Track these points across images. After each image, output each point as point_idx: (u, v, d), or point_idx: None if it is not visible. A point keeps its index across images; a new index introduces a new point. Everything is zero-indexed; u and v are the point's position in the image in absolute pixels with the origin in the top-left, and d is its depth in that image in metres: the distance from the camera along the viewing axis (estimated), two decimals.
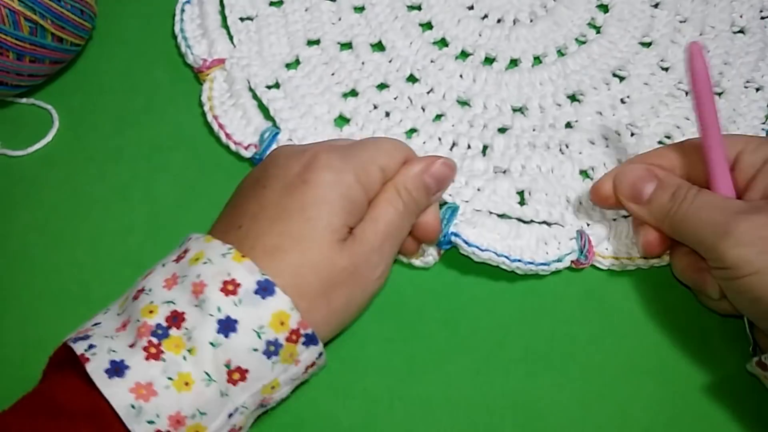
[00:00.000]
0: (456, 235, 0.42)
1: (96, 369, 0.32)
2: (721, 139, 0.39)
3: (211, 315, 0.34)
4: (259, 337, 0.34)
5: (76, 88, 0.51)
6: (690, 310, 0.41)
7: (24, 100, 0.50)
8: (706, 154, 0.39)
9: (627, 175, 0.40)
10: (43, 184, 0.47)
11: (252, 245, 0.36)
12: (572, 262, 0.42)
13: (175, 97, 0.50)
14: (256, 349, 0.34)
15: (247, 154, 0.46)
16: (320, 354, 0.36)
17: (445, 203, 0.43)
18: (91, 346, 0.33)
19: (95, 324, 0.36)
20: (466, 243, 0.41)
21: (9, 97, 0.50)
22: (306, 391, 0.40)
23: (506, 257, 0.41)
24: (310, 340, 0.35)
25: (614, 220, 0.43)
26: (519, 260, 0.41)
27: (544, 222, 0.43)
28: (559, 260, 0.42)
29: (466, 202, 0.43)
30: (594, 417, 0.39)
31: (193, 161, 0.48)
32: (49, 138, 0.49)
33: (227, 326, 0.34)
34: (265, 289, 0.34)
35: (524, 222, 0.43)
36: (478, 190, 0.43)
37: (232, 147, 0.47)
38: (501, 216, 0.43)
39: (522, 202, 0.44)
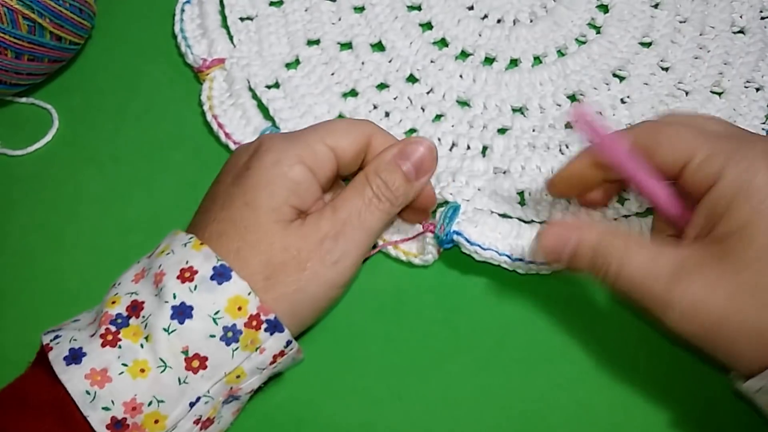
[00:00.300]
0: (458, 233, 0.41)
1: (56, 357, 0.33)
2: (645, 171, 0.35)
3: (167, 302, 0.34)
4: (216, 323, 0.34)
5: (75, 87, 0.51)
6: None
7: (23, 100, 0.50)
8: (641, 191, 0.36)
9: (544, 240, 0.36)
10: (42, 183, 0.47)
11: (201, 235, 0.36)
12: None
13: (174, 97, 0.50)
14: (213, 335, 0.34)
15: None
16: (288, 342, 0.35)
17: (446, 202, 0.43)
18: (57, 337, 0.34)
19: (75, 320, 0.36)
20: (468, 241, 0.41)
21: (8, 97, 0.50)
22: (306, 390, 0.40)
23: (507, 256, 0.41)
24: (274, 326, 0.35)
25: (615, 219, 0.43)
26: (520, 259, 0.41)
27: (545, 222, 0.43)
28: None
29: (467, 201, 0.43)
30: (594, 417, 0.39)
31: (192, 160, 0.48)
32: (48, 137, 0.49)
33: (182, 312, 0.34)
34: (221, 275, 0.34)
35: (525, 222, 0.43)
36: (479, 189, 0.43)
37: (232, 146, 0.47)
38: (502, 215, 0.43)
39: (522, 202, 0.44)
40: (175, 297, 0.34)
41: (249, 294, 0.34)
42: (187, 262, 0.34)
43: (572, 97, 0.48)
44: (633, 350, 0.40)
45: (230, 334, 0.34)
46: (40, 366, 0.34)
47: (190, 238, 0.35)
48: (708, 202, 0.33)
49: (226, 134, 0.47)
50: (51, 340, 0.34)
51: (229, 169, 0.39)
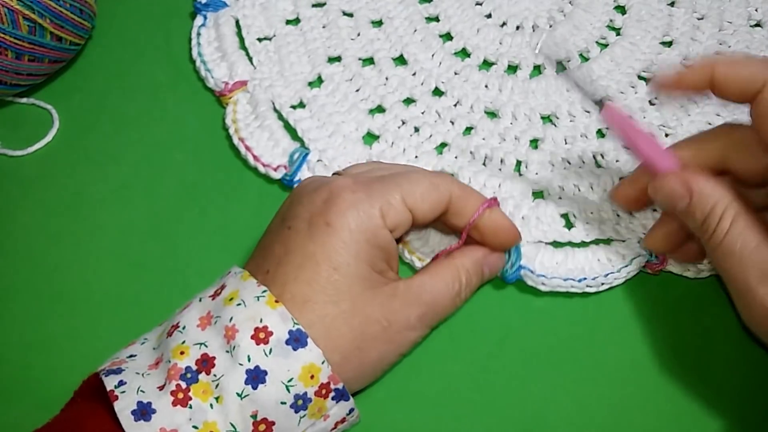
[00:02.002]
0: (522, 267, 0.41)
1: (123, 409, 0.32)
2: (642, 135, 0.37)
3: (241, 364, 0.33)
4: (288, 390, 0.33)
5: (76, 87, 0.51)
6: (690, 311, 0.41)
7: (24, 100, 0.50)
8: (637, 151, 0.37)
9: (662, 188, 0.36)
10: (42, 184, 0.47)
11: (279, 293, 0.35)
12: (646, 264, 0.42)
13: (174, 96, 0.50)
14: (284, 402, 0.33)
15: (277, 175, 0.46)
16: (351, 410, 0.35)
17: None
18: (121, 383, 0.33)
19: (131, 356, 0.35)
20: (533, 273, 0.41)
21: (8, 97, 0.50)
22: None
23: (573, 279, 0.41)
24: (341, 395, 0.34)
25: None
26: (585, 279, 0.41)
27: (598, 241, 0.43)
28: (628, 264, 0.41)
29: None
30: (594, 417, 0.39)
31: (193, 160, 0.48)
32: (49, 138, 0.49)
33: (256, 377, 0.33)
34: (297, 340, 0.33)
35: (577, 245, 0.43)
36: (522, 218, 0.43)
37: (261, 169, 0.46)
38: (553, 244, 0.43)
39: (568, 225, 0.43)
40: (249, 360, 0.33)
41: (323, 363, 0.34)
42: (261, 321, 0.34)
43: (600, 103, 0.48)
44: (633, 350, 0.40)
45: (300, 402, 0.34)
46: (101, 405, 0.33)
47: (263, 291, 0.34)
48: None
49: (255, 156, 0.46)
50: (115, 387, 0.33)
51: (300, 214, 0.36)
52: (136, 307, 0.43)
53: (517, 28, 0.52)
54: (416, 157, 0.46)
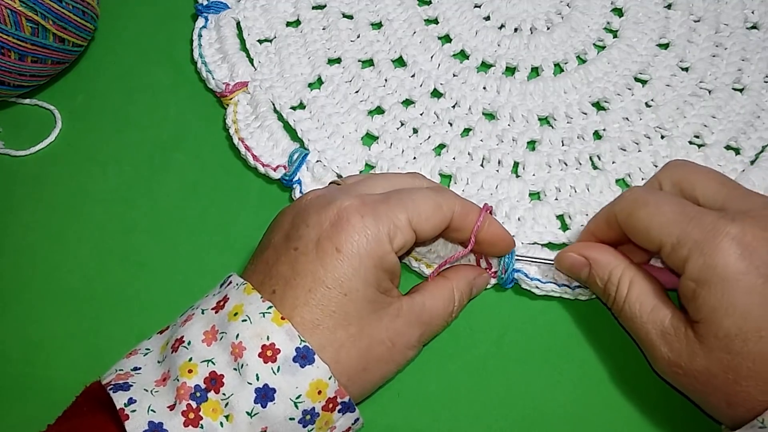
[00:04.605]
0: (517, 270, 0.42)
1: (135, 429, 0.32)
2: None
3: (250, 383, 0.33)
4: (296, 406, 0.34)
5: (78, 88, 0.52)
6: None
7: (27, 101, 0.51)
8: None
9: (564, 261, 0.41)
10: (45, 183, 0.48)
11: (289, 314, 0.35)
12: None
13: (176, 98, 0.51)
14: (292, 418, 0.34)
15: (276, 175, 0.46)
16: (356, 419, 0.36)
17: None
18: (131, 401, 0.33)
19: (135, 368, 0.35)
20: (528, 277, 0.42)
21: (12, 98, 0.50)
22: None
23: (567, 286, 0.42)
24: (347, 407, 0.35)
25: None
26: (579, 286, 0.42)
27: None
28: None
29: (513, 236, 0.43)
30: (594, 417, 0.39)
31: (194, 160, 0.48)
32: (51, 138, 0.49)
33: (265, 395, 0.33)
34: (303, 357, 0.34)
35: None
36: (519, 219, 0.44)
37: (261, 169, 0.47)
38: (549, 246, 0.43)
39: (564, 227, 0.44)
40: (258, 378, 0.33)
41: (330, 378, 0.34)
42: (268, 338, 0.34)
43: (597, 105, 0.49)
44: (630, 349, 0.40)
45: (308, 417, 0.34)
46: (108, 416, 0.34)
47: (269, 308, 0.35)
48: (681, 286, 0.35)
49: (254, 156, 0.47)
50: (125, 405, 0.33)
51: (307, 236, 0.36)
52: (137, 305, 0.43)
53: (516, 30, 0.52)
54: (415, 158, 0.46)
